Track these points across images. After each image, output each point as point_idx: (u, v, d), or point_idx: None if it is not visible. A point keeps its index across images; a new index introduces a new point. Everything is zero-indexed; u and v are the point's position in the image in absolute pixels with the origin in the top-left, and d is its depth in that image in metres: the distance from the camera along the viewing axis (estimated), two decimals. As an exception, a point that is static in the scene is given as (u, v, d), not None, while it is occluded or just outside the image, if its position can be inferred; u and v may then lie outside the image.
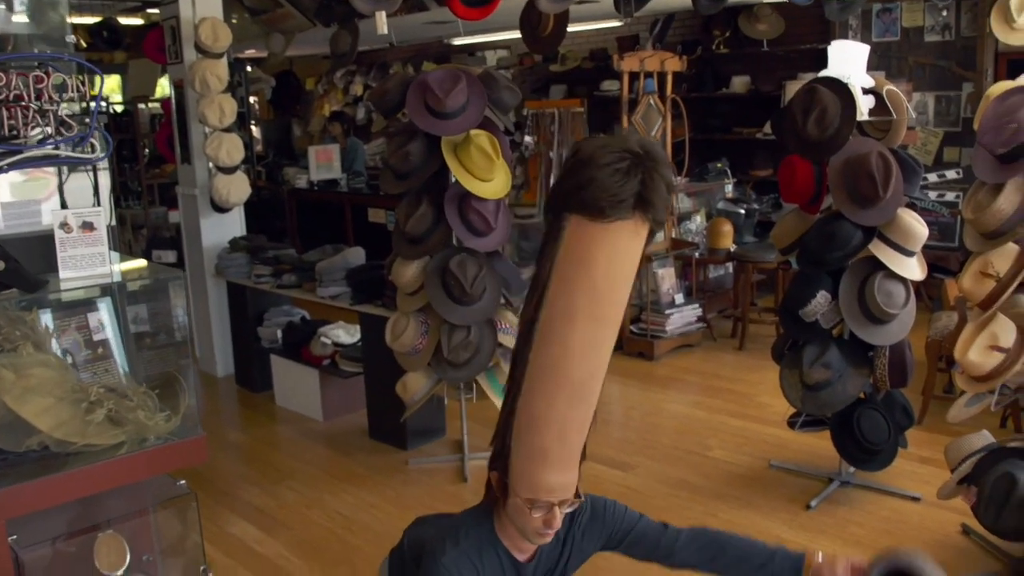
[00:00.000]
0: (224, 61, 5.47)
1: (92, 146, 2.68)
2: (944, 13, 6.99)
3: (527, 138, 6.01)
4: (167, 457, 2.69)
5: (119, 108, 9.41)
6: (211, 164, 5.64)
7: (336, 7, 8.04)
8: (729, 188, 7.23)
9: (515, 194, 6.29)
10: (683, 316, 6.25)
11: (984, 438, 3.35)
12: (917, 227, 3.67)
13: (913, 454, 4.28)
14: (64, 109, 2.58)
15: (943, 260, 6.58)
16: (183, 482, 2.90)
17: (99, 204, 2.81)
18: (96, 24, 7.66)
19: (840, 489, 4.07)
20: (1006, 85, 3.11)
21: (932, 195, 6.89)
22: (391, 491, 4.26)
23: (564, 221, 1.97)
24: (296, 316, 5.61)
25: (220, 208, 5.75)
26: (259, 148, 9.55)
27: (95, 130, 2.67)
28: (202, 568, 2.91)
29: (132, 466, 2.63)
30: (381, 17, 3.78)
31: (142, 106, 8.82)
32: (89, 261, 2.60)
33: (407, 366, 4.31)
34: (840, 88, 3.65)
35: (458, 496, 4.16)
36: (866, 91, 3.84)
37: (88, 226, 2.56)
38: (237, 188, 5.64)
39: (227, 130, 5.52)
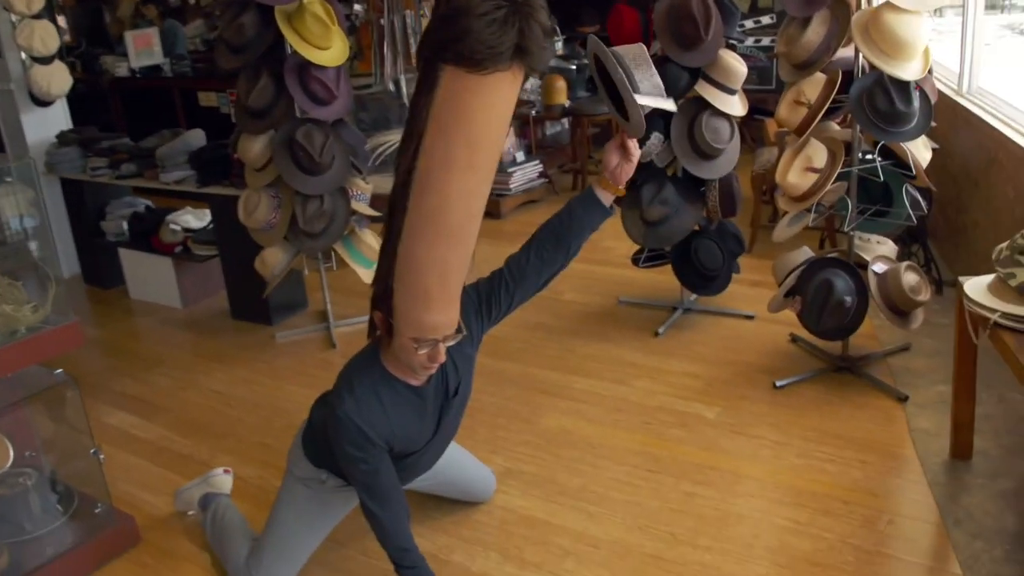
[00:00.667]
0: (24, -60, 5.10)
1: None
2: None
3: (356, 6, 5.93)
4: (42, 346, 2.71)
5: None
6: (25, 55, 5.31)
7: None
8: (559, 45, 7.37)
9: (349, 65, 6.22)
10: (525, 173, 6.47)
11: (805, 253, 3.73)
12: (737, 66, 3.93)
13: (745, 279, 4.68)
14: None
15: (763, 102, 6.96)
16: (60, 371, 2.92)
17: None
18: None
19: (684, 316, 4.44)
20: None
21: (749, 41, 7.25)
22: (263, 364, 4.36)
23: (439, 72, 1.96)
24: (140, 206, 5.47)
25: (41, 102, 5.46)
26: (68, 38, 8.94)
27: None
28: (92, 451, 2.96)
29: (5, 358, 2.63)
30: None
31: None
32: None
33: (263, 242, 4.35)
34: (660, -65, 3.80)
35: (329, 361, 4.31)
36: (684, -63, 4.02)
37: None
38: (58, 79, 5.36)
39: (37, 16, 5.19)
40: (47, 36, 5.23)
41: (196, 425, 3.82)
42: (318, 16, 3.90)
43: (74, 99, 5.90)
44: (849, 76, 3.34)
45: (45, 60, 5.29)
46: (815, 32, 3.22)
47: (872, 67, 3.20)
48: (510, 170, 6.33)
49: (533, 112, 6.85)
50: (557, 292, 4.93)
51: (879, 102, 3.15)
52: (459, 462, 2.98)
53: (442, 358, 2.25)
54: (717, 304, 4.48)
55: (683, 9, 3.76)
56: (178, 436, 3.74)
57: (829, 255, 3.65)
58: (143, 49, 7.39)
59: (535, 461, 3.30)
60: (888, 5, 3.06)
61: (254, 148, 4.14)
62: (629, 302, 4.69)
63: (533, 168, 6.54)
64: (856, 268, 3.52)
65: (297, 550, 2.65)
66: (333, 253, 4.45)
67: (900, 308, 3.46)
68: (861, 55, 3.25)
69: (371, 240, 4.45)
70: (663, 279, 4.71)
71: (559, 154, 7.29)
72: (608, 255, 5.38)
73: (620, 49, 2.35)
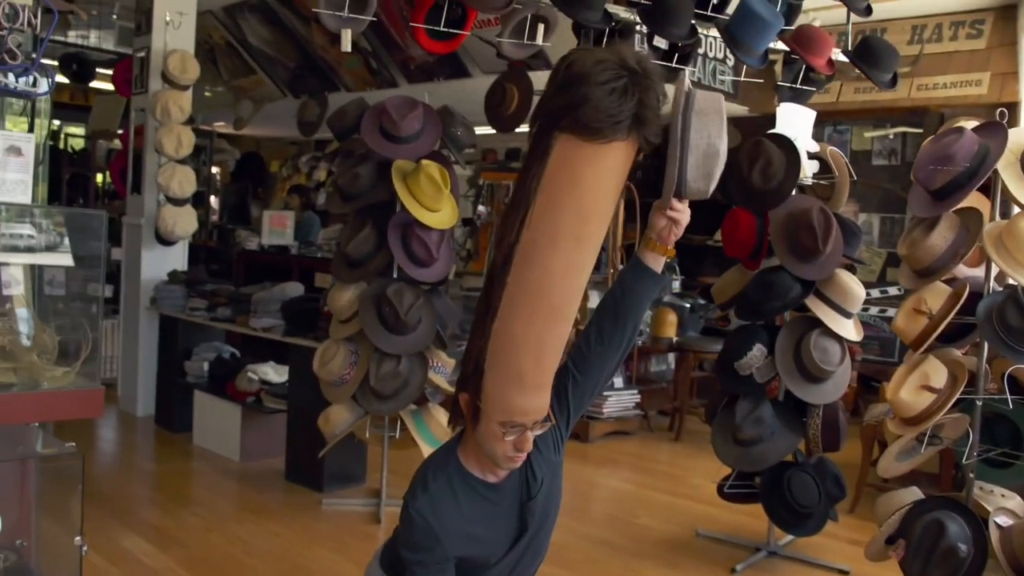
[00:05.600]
0: (188, 94, 5.48)
1: (35, 80, 2.62)
2: (891, 138, 7.27)
3: (481, 208, 6.04)
4: (59, 403, 2.54)
5: (79, 145, 9.44)
6: (161, 195, 5.56)
7: (308, 79, 8.18)
8: (676, 284, 7.27)
9: (463, 264, 6.26)
10: (620, 400, 6.15)
11: (913, 493, 3.26)
12: (855, 288, 3.69)
13: (843, 535, 4.16)
14: (14, 39, 2.53)
15: (882, 374, 6.58)
16: (71, 444, 2.71)
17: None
18: (66, 55, 7.75)
19: (767, 559, 3.93)
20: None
21: (874, 310, 6.98)
22: (299, 524, 4.03)
23: (552, 139, 1.91)
24: (226, 352, 5.43)
25: (165, 240, 5.64)
26: (216, 217, 9.48)
27: (39, 64, 2.62)
28: (77, 540, 2.68)
29: (19, 406, 2.46)
30: (347, 36, 3.82)
31: (102, 142, 8.79)
32: (11, 188, 2.49)
33: (332, 397, 4.16)
34: (785, 143, 3.72)
35: (369, 535, 3.96)
36: (810, 156, 3.94)
37: (15, 151, 2.47)
38: (184, 221, 5.55)
39: (182, 162, 5.48)
40: (185, 180, 5.48)
41: (208, 565, 3.50)
42: (432, 178, 3.92)
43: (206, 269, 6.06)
44: (977, 297, 3.03)
45: (178, 202, 5.51)
46: (941, 236, 2.96)
47: (1005, 286, 2.90)
48: (605, 393, 6.04)
49: (639, 342, 6.64)
50: (631, 514, 4.49)
51: (1011, 317, 2.82)
52: None
53: (529, 447, 2.04)
54: (808, 553, 3.95)
55: (802, 218, 3.59)
56: (184, 571, 3.41)
57: (943, 495, 3.17)
58: (277, 229, 7.67)
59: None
60: (1026, 214, 2.81)
61: (343, 297, 4.07)
62: (708, 536, 4.20)
63: (630, 397, 6.24)
64: (974, 514, 3.03)
65: None
66: (399, 422, 4.21)
67: (1025, 571, 2.92)
68: (993, 269, 2.96)
69: (442, 418, 4.19)
70: (749, 520, 4.24)
71: (660, 395, 6.96)
72: (695, 491, 4.93)
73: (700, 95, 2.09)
